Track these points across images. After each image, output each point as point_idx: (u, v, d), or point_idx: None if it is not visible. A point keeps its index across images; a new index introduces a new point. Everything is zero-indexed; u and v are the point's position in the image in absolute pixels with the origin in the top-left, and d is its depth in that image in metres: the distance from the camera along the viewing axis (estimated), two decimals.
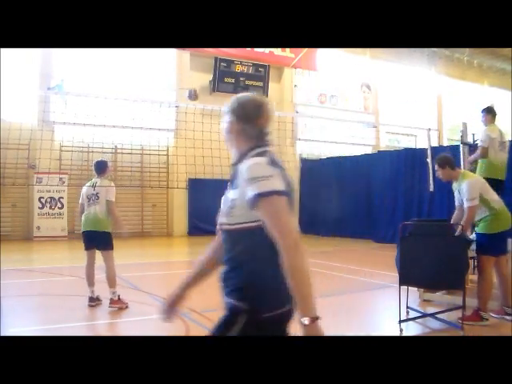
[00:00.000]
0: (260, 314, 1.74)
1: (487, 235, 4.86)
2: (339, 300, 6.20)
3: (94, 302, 5.65)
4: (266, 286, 1.76)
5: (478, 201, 4.81)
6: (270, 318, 1.74)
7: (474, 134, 6.72)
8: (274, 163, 1.78)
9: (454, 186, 5.16)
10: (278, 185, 1.70)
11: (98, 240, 5.64)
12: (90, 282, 5.68)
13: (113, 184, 5.97)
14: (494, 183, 5.86)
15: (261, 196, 1.67)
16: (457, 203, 5.16)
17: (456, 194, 5.13)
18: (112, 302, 5.55)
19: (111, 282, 5.60)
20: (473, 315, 4.83)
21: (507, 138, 6.24)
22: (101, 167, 5.90)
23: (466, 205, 4.83)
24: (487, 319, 4.82)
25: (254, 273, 1.76)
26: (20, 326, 4.78)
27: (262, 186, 1.67)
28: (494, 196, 4.97)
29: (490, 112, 6.17)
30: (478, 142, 6.07)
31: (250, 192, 1.69)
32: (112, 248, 5.72)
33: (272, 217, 1.68)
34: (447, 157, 5.14)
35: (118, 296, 5.58)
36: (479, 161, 6.04)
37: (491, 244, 4.85)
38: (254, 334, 1.72)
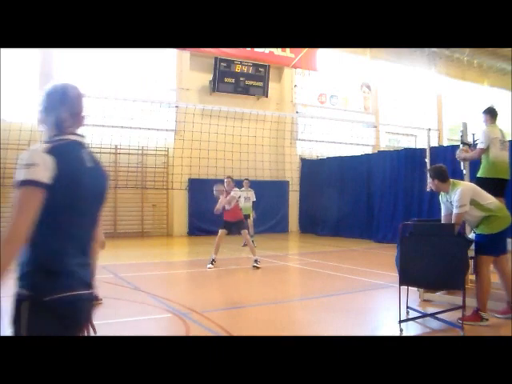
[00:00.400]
0: (40, 297, 1.75)
1: (487, 236, 4.85)
2: (339, 300, 6.20)
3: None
4: (45, 271, 1.77)
5: (467, 207, 4.78)
6: (52, 301, 1.74)
7: (473, 134, 6.71)
8: (57, 153, 1.79)
9: (442, 196, 5.13)
10: (39, 175, 1.73)
11: None
12: None
13: None
14: (498, 183, 5.84)
15: (19, 183, 1.73)
16: (444, 212, 5.14)
17: (444, 204, 5.11)
18: None
19: None
20: (472, 315, 4.82)
21: (508, 137, 6.22)
22: None
23: (454, 211, 4.83)
24: (487, 319, 4.81)
25: (34, 259, 1.78)
26: None
27: (22, 174, 1.73)
28: (487, 199, 4.93)
29: (489, 112, 6.14)
30: (478, 143, 6.04)
31: (16, 177, 1.75)
32: None
33: (15, 204, 1.73)
34: (438, 169, 5.08)
35: None
36: (482, 161, 6.00)
37: (491, 244, 4.84)
38: (41, 319, 1.72)
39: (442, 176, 5.00)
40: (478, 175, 6.03)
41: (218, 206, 9.04)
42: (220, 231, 9.02)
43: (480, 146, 5.92)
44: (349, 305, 5.95)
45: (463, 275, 4.66)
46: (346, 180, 15.21)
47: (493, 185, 5.67)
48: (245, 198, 11.99)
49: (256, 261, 8.82)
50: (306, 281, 8.08)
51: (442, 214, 5.18)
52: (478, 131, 6.25)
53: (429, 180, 5.19)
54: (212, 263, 8.83)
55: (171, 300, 5.99)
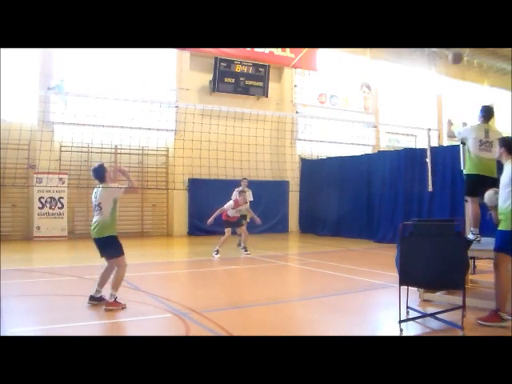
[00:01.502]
0: None
1: (505, 232, 4.69)
2: (339, 300, 6.20)
3: (96, 301, 5.60)
4: None
5: None
6: None
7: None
8: None
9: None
10: None
11: (106, 247, 5.53)
12: (101, 282, 5.64)
13: (111, 185, 5.65)
14: (484, 179, 5.94)
15: None
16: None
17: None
18: (107, 303, 5.46)
19: (115, 284, 5.52)
20: (491, 316, 4.72)
21: (494, 136, 6.21)
22: (99, 175, 5.66)
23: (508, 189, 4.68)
24: (506, 320, 4.69)
25: None
26: (20, 325, 4.78)
27: None
28: None
29: (484, 111, 6.30)
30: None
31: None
32: (121, 254, 5.57)
33: None
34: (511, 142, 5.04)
35: (115, 299, 5.48)
36: (466, 159, 6.14)
37: (509, 242, 4.63)
38: None
39: (510, 148, 4.95)
40: (464, 172, 6.20)
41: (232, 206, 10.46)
42: (226, 230, 10.32)
43: (456, 135, 6.18)
44: (349, 305, 5.95)
45: (463, 275, 4.65)
46: (346, 180, 15.19)
47: (477, 181, 5.93)
48: None
49: (217, 251, 10.14)
50: (306, 281, 8.08)
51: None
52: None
53: (497, 148, 5.17)
54: (217, 253, 10.09)
55: (171, 300, 5.99)
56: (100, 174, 5.64)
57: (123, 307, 5.47)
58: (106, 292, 5.57)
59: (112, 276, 5.60)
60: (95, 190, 5.69)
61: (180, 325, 4.85)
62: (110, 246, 5.51)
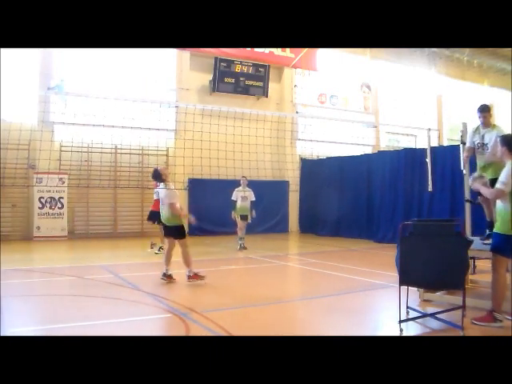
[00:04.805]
0: None
1: (502, 235, 4.65)
2: (339, 300, 6.20)
3: (166, 278, 7.01)
4: None
5: (509, 187, 4.59)
6: None
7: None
8: None
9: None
10: None
11: (171, 232, 7.05)
12: (167, 261, 7.05)
13: (172, 187, 7.16)
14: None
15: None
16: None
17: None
18: (189, 278, 6.84)
19: (186, 262, 6.92)
20: (486, 316, 4.73)
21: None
22: (156, 177, 7.24)
23: (496, 185, 4.65)
24: (501, 320, 4.67)
25: None
26: (20, 325, 4.78)
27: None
28: None
29: (487, 110, 6.13)
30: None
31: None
32: (184, 237, 7.04)
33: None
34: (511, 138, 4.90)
35: (194, 272, 6.86)
36: (493, 162, 5.87)
37: (505, 245, 4.61)
38: None
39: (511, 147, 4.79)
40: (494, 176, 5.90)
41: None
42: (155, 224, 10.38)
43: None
44: (349, 305, 5.95)
45: (463, 275, 4.64)
46: (346, 180, 15.19)
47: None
48: (241, 198, 11.39)
49: (160, 248, 10.22)
50: (306, 281, 8.08)
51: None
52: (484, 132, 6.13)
53: (499, 147, 5.01)
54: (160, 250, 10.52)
55: (171, 300, 6.00)
56: (156, 175, 7.19)
57: (203, 278, 6.86)
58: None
59: (182, 258, 6.93)
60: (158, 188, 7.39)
61: (180, 325, 4.85)
62: (178, 231, 7.01)
